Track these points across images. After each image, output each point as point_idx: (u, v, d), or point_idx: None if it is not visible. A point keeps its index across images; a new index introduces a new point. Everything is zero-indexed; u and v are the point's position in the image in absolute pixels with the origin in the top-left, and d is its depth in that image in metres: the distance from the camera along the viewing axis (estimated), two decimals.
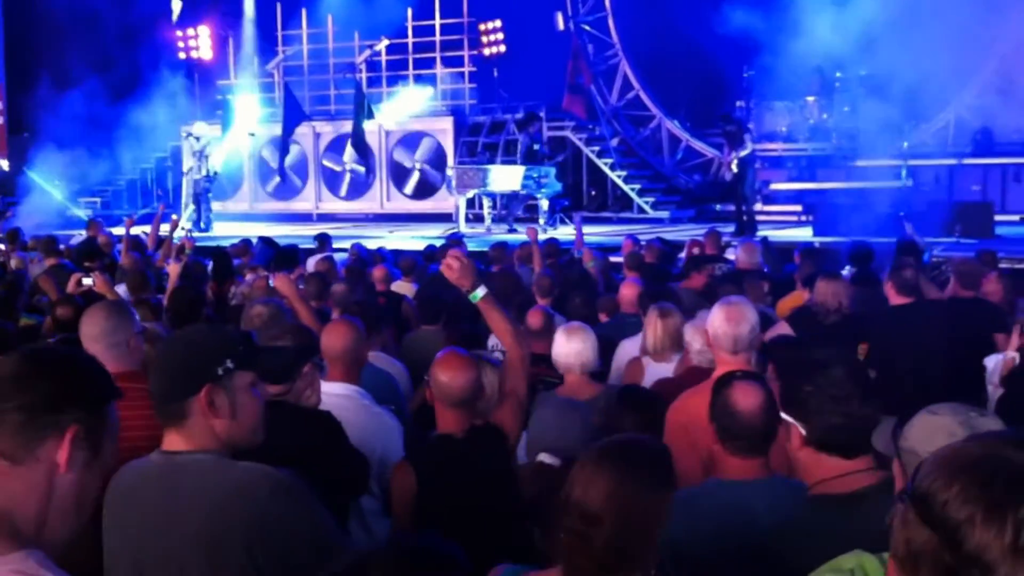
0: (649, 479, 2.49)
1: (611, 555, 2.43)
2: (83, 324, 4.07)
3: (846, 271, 8.65)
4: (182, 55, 24.24)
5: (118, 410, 1.96)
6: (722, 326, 4.29)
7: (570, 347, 5.21)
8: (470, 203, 20.17)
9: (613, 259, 11.48)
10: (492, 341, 6.77)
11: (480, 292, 4.08)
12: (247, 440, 2.68)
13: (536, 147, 18.76)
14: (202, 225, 19.86)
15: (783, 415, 2.83)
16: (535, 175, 18.41)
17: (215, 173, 20.57)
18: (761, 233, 14.61)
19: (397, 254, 11.80)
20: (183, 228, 15.00)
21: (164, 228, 12.94)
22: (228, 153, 22.63)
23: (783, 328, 7.03)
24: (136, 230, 12.91)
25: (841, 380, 2.77)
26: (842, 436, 2.74)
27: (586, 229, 14.96)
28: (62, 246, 12.07)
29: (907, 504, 1.54)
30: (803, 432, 2.77)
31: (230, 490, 2.55)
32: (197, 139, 20.26)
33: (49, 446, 1.83)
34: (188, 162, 20.42)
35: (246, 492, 2.55)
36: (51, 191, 22.05)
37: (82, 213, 21.15)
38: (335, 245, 12.95)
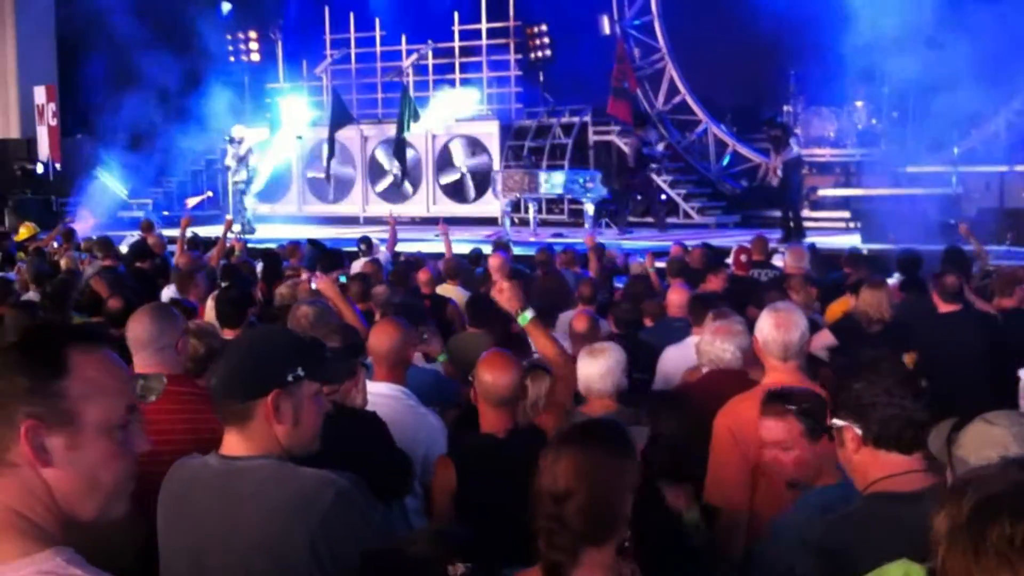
0: (609, 449, 2.63)
1: (585, 524, 2.53)
2: (129, 328, 4.05)
3: (894, 278, 8.58)
4: (232, 58, 24.51)
5: (99, 364, 1.84)
6: (772, 332, 4.26)
7: (581, 370, 4.94)
8: (515, 207, 20.23)
9: (658, 264, 11.46)
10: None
11: (528, 315, 4.13)
12: (304, 448, 2.67)
13: (645, 150, 18.71)
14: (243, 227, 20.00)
15: (836, 422, 2.82)
16: (580, 180, 18.42)
17: (253, 176, 20.69)
18: (808, 240, 14.51)
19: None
20: (233, 232, 15.15)
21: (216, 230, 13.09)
22: (276, 156, 22.86)
23: (826, 336, 7.00)
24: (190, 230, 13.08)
25: (891, 373, 2.77)
26: (899, 429, 2.73)
27: (631, 234, 14.97)
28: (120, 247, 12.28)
29: None
30: (859, 432, 2.76)
31: (293, 496, 2.55)
32: (237, 142, 20.37)
33: (17, 450, 1.75)
34: (230, 164, 20.56)
35: (310, 498, 2.54)
36: (116, 189, 22.40)
37: (136, 214, 21.44)
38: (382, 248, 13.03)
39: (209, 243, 12.50)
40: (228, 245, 12.18)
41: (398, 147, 21.54)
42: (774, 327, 4.27)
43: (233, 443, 2.65)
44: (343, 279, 8.43)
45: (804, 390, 3.66)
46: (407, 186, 22.57)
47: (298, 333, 3.24)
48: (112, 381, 1.86)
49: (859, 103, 19.63)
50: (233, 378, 2.66)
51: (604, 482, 2.57)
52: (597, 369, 4.94)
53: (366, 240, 12.95)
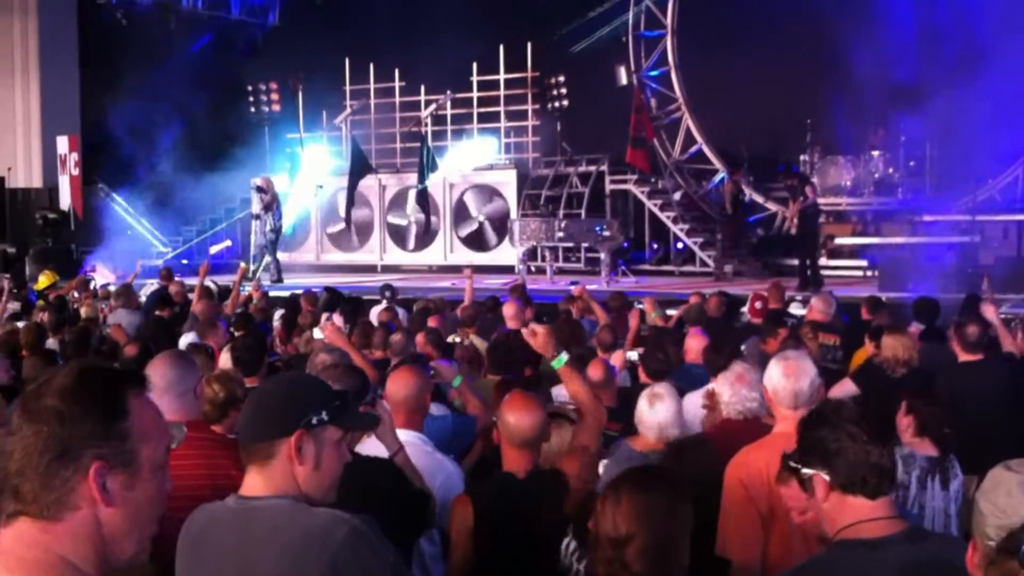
0: (667, 494, 2.69)
1: (646, 567, 2.58)
2: (152, 374, 4.02)
3: (912, 326, 8.56)
4: (253, 108, 24.80)
5: (144, 416, 1.89)
6: (781, 381, 4.22)
7: (654, 417, 5.03)
8: (532, 255, 20.30)
9: (671, 312, 11.47)
10: (555, 391, 6.80)
11: (564, 357, 4.16)
12: (322, 495, 2.70)
13: (742, 197, 18.74)
14: (262, 275, 20.07)
15: (805, 471, 2.81)
16: (597, 228, 18.49)
17: (280, 225, 20.85)
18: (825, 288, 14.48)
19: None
20: (250, 280, 15.23)
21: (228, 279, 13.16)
22: (296, 204, 23.06)
23: (848, 385, 6.97)
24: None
25: (855, 419, 2.79)
26: (865, 473, 2.74)
27: (647, 282, 14.99)
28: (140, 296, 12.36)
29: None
30: (827, 479, 2.76)
31: (305, 534, 2.57)
32: (264, 191, 20.54)
33: (81, 492, 1.79)
34: (259, 213, 20.73)
35: (322, 536, 2.55)
36: (143, 229, 22.61)
37: (156, 263, 21.59)
38: (400, 296, 13.08)
39: (226, 292, 12.55)
40: (245, 294, 12.25)
41: (420, 196, 21.72)
42: (783, 375, 4.24)
43: (252, 484, 2.68)
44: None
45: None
46: (413, 234, 22.69)
47: (326, 381, 3.28)
48: (160, 421, 1.96)
49: (875, 152, 19.69)
50: (258, 417, 2.71)
51: (664, 526, 2.63)
52: (669, 413, 5.02)
53: (389, 287, 13.00)
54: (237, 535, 2.62)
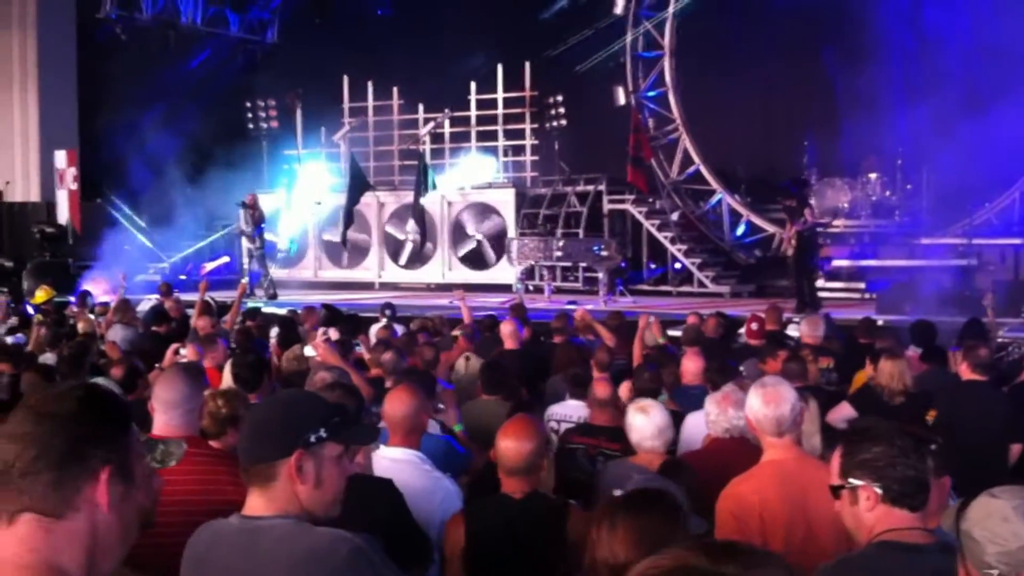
0: (665, 519, 2.65)
1: None
2: (160, 389, 4.08)
3: (910, 349, 8.56)
4: (251, 125, 24.84)
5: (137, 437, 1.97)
6: (762, 409, 4.20)
7: (652, 425, 5.12)
8: (530, 274, 20.30)
9: (673, 333, 11.46)
10: (548, 412, 6.81)
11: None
12: (326, 511, 2.71)
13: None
14: (256, 291, 20.04)
15: (852, 481, 2.98)
16: (595, 247, 18.51)
17: (270, 242, 20.81)
18: (823, 310, 14.48)
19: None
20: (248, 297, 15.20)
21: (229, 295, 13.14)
22: (294, 221, 23.09)
23: (845, 409, 6.98)
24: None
25: (903, 438, 3.00)
26: (915, 489, 2.94)
27: (645, 302, 15.00)
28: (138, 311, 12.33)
29: None
30: (879, 491, 2.93)
31: (308, 553, 2.57)
32: (250, 207, 20.47)
33: (86, 493, 1.84)
34: (245, 230, 20.68)
35: (324, 555, 2.56)
36: (141, 245, 22.63)
37: (153, 278, 21.57)
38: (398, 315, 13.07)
39: (224, 308, 12.53)
40: (243, 310, 12.24)
41: (417, 214, 21.75)
42: (763, 403, 4.21)
43: (255, 504, 2.69)
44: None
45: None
46: (409, 251, 22.69)
47: (322, 397, 3.29)
48: (142, 442, 2.03)
49: (872, 175, 19.74)
50: (257, 439, 2.72)
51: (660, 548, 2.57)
52: (665, 420, 5.07)
53: (389, 306, 12.99)
54: (241, 555, 2.62)
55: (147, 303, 14.47)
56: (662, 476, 4.59)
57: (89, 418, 1.88)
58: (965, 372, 6.94)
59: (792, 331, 10.66)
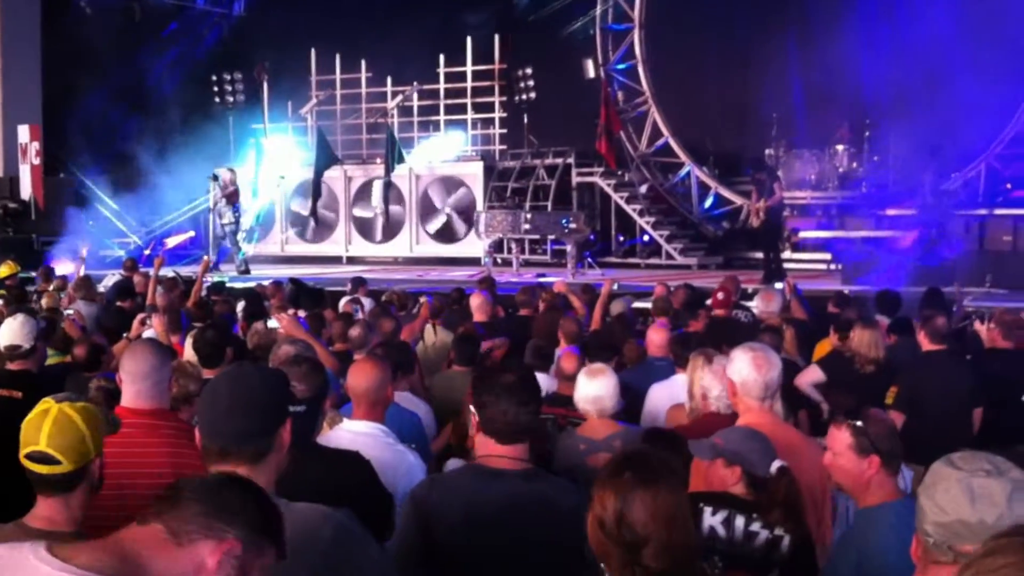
0: (672, 485, 2.59)
1: (666, 564, 2.49)
2: (127, 361, 4.05)
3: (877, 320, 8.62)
4: (217, 99, 24.61)
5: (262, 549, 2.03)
6: (751, 373, 4.28)
7: (588, 390, 5.19)
8: (498, 247, 20.28)
9: (641, 305, 11.49)
10: None
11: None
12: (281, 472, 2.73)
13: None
14: (226, 266, 19.89)
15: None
16: (563, 220, 18.51)
17: (240, 216, 20.63)
18: (779, 284, 14.53)
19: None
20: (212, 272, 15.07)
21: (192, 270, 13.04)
22: (260, 195, 22.92)
23: (815, 372, 7.04)
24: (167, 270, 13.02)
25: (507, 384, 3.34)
26: (501, 426, 3.33)
27: (613, 275, 15.00)
28: (98, 286, 12.21)
29: None
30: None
31: (292, 533, 2.47)
32: (220, 182, 20.29)
33: (207, 547, 1.92)
34: (213, 204, 20.50)
35: (308, 534, 2.53)
36: (105, 220, 22.42)
37: (118, 253, 21.39)
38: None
39: (190, 283, 12.43)
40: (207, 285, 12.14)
41: (385, 188, 21.67)
42: (753, 367, 4.28)
43: None
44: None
45: (878, 416, 3.70)
46: (383, 226, 22.62)
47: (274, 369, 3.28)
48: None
49: (840, 147, 19.83)
50: (250, 417, 2.65)
51: (678, 519, 2.54)
52: (605, 388, 5.06)
53: (357, 279, 12.93)
54: None
55: (111, 278, 14.32)
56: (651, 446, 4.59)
57: (261, 506, 2.04)
58: (925, 343, 7.01)
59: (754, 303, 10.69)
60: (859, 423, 3.55)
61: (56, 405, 2.92)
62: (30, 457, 2.89)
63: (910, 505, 3.38)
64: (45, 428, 2.88)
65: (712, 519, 3.70)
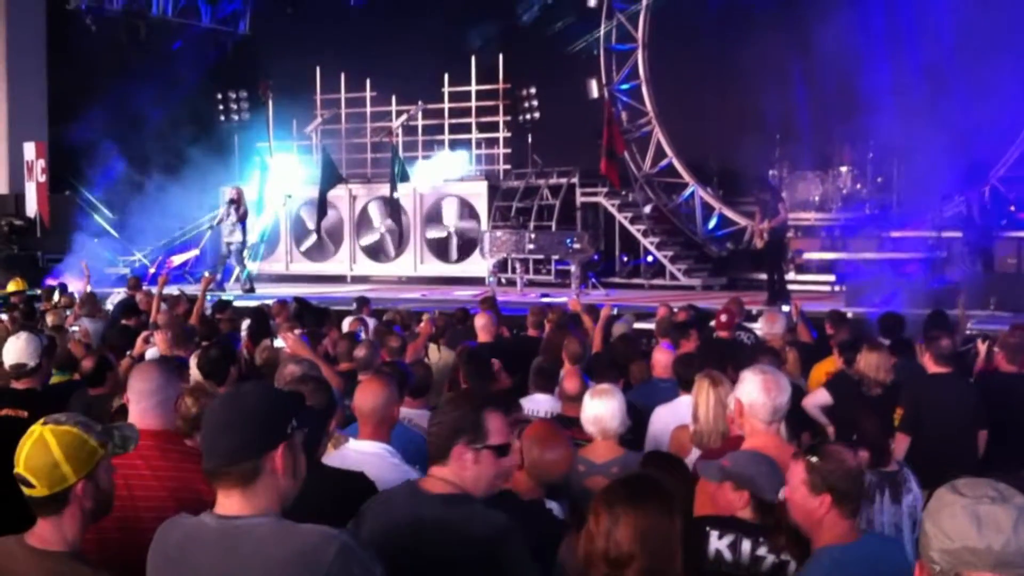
0: (663, 508, 2.63)
1: None
2: (135, 379, 4.06)
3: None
4: (222, 117, 24.69)
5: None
6: (760, 396, 4.27)
7: (591, 411, 5.17)
8: (502, 267, 20.30)
9: (644, 326, 11.48)
10: (528, 405, 6.80)
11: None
12: (290, 501, 2.68)
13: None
14: (233, 285, 19.88)
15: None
16: (567, 240, 18.54)
17: (247, 235, 20.64)
18: (786, 305, 14.52)
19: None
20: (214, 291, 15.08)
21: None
22: (265, 213, 22.96)
23: (822, 395, 7.02)
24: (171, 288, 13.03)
25: None
26: None
27: (617, 295, 15.02)
28: (103, 304, 12.22)
29: None
30: None
31: (295, 553, 2.52)
32: (234, 203, 20.24)
33: None
34: (225, 225, 20.44)
35: (312, 554, 2.51)
36: (110, 237, 22.45)
37: (123, 271, 21.40)
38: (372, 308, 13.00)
39: (193, 300, 12.45)
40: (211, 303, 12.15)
41: (392, 206, 21.71)
42: (763, 390, 4.27)
43: (231, 503, 2.62)
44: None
45: (837, 454, 3.59)
46: (391, 247, 22.64)
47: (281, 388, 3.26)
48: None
49: (844, 168, 19.85)
50: (239, 436, 2.63)
51: (662, 543, 2.58)
52: (608, 409, 5.04)
53: (361, 299, 12.93)
54: (221, 556, 2.56)
55: (116, 296, 14.35)
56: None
57: None
58: (930, 364, 7.00)
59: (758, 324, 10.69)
60: (816, 459, 3.46)
61: (40, 428, 2.91)
62: (16, 478, 2.90)
63: (860, 550, 3.38)
64: (23, 451, 2.88)
65: (719, 542, 3.69)
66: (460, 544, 3.04)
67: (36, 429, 2.91)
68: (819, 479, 3.39)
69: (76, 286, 15.73)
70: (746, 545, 3.67)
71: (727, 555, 3.67)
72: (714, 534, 3.71)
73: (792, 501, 3.46)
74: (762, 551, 3.65)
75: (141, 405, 3.95)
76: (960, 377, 7.20)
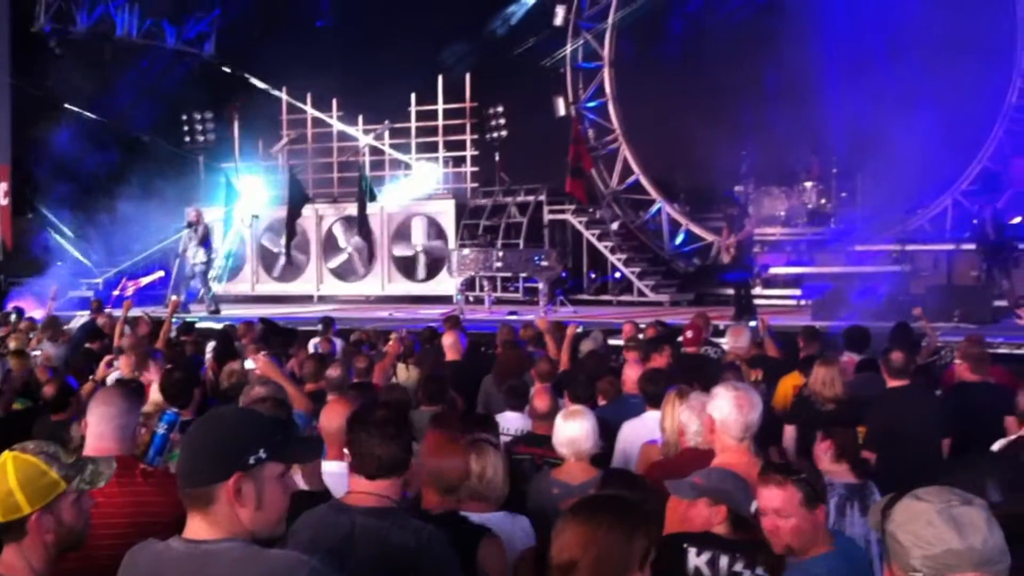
0: (617, 524, 2.61)
1: None
2: (96, 402, 4.03)
3: (845, 356, 8.65)
4: (187, 138, 24.56)
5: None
6: (732, 412, 4.27)
7: (564, 432, 5.18)
8: (470, 285, 20.28)
9: (612, 342, 11.49)
10: (503, 425, 6.78)
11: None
12: (271, 531, 2.63)
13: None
14: (196, 307, 19.74)
15: None
16: (535, 258, 18.55)
17: (214, 257, 20.51)
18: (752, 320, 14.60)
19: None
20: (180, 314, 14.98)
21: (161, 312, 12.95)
22: (230, 235, 22.83)
23: (789, 431, 7.01)
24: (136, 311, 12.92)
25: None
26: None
27: (585, 312, 15.03)
28: (65, 327, 12.10)
29: None
30: None
31: None
32: (195, 225, 20.05)
33: None
34: (187, 246, 20.22)
35: None
36: (74, 260, 22.26)
37: (86, 294, 21.20)
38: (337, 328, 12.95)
39: (159, 324, 12.34)
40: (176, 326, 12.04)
41: (361, 225, 21.63)
42: (735, 407, 4.27)
43: (198, 527, 2.58)
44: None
45: (801, 461, 3.71)
46: (358, 265, 22.58)
47: (264, 414, 3.20)
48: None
49: (808, 183, 20.01)
50: (196, 461, 2.60)
51: (610, 557, 2.56)
52: (580, 430, 5.05)
53: (326, 320, 12.87)
54: None
55: (79, 319, 14.21)
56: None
57: None
58: (887, 379, 7.03)
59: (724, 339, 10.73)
60: (802, 475, 3.52)
61: (6, 455, 2.87)
62: None
63: (841, 553, 3.51)
64: None
65: (697, 559, 3.69)
66: (389, 551, 3.25)
67: (4, 456, 2.88)
68: (812, 493, 3.49)
69: (35, 311, 15.56)
70: (724, 561, 3.68)
71: (706, 572, 3.68)
72: (692, 551, 3.71)
73: (789, 528, 3.49)
74: (739, 566, 3.66)
75: (100, 428, 3.93)
76: (919, 388, 7.21)
